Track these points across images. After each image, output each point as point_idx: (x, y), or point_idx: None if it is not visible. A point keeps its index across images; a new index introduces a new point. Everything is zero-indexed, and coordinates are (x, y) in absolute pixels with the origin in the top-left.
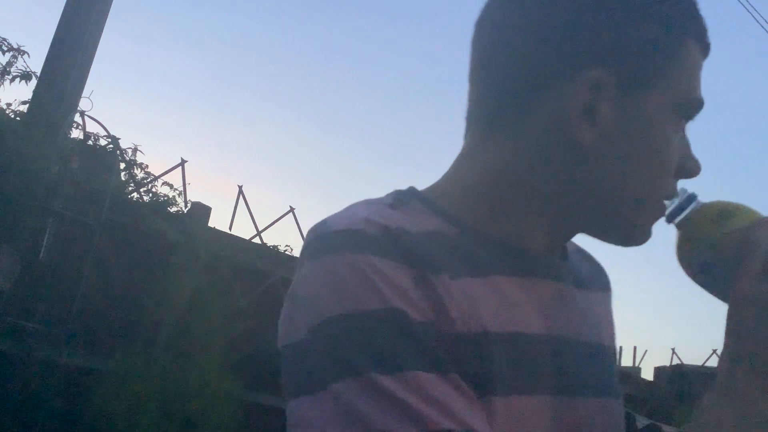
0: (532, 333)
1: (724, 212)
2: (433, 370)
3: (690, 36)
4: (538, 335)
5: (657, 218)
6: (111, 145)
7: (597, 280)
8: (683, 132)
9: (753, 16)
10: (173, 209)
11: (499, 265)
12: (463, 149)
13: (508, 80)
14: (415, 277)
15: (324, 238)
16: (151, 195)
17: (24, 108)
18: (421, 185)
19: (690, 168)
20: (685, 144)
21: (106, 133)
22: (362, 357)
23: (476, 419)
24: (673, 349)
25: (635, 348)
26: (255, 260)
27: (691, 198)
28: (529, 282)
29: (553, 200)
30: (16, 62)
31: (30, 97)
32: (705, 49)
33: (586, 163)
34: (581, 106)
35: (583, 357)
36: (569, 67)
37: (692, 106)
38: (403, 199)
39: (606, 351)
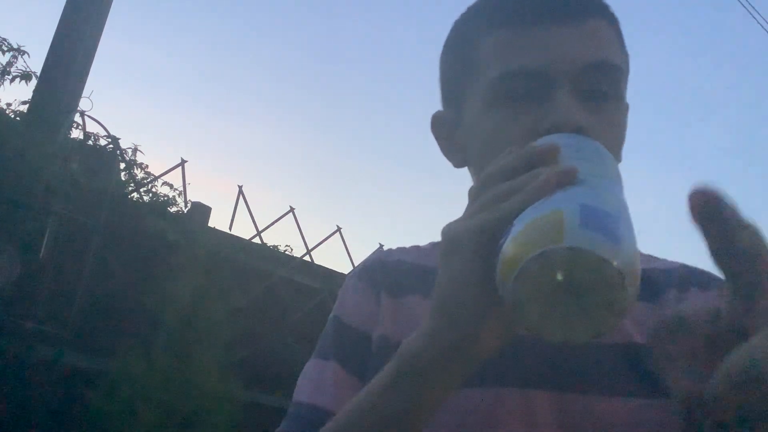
0: None
1: None
2: (329, 358)
3: (482, 36)
4: None
5: None
6: (111, 145)
7: None
8: (531, 103)
9: (753, 17)
10: (173, 209)
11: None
12: None
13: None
14: (370, 293)
15: None
16: (151, 195)
17: (24, 108)
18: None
19: (548, 129)
20: (548, 109)
21: (106, 133)
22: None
23: (328, 398)
24: None
25: None
26: (255, 260)
27: None
28: None
29: None
30: (16, 62)
31: (30, 97)
32: (503, 25)
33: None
34: (443, 135)
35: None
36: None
37: (504, 83)
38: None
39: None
